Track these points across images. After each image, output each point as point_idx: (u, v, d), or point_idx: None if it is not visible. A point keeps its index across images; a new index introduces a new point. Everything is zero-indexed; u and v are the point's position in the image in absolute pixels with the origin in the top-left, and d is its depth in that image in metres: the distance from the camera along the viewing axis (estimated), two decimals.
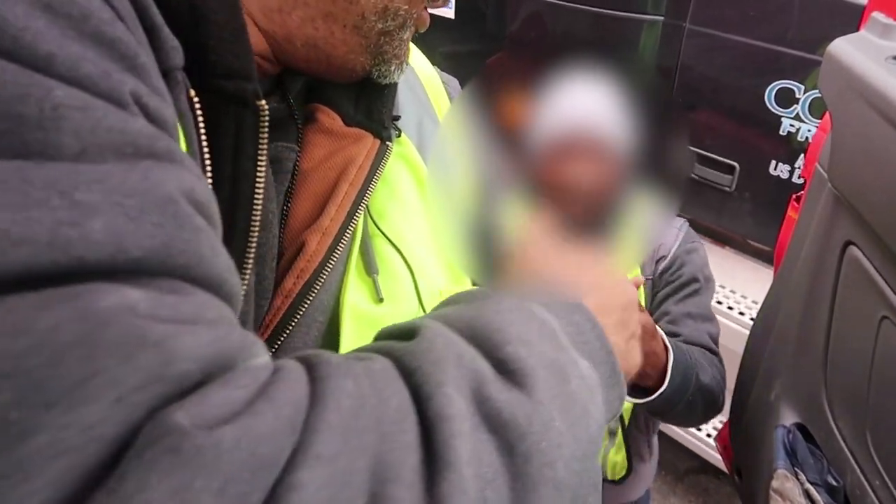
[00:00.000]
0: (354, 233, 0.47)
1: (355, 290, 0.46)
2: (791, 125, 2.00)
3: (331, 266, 0.45)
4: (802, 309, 1.01)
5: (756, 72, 2.05)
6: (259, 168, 0.37)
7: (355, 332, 0.44)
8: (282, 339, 0.43)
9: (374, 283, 0.46)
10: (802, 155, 2.01)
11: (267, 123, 0.37)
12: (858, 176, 0.88)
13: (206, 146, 0.34)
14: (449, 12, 2.86)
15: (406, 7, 0.44)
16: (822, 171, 0.97)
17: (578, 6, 2.43)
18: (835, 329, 0.94)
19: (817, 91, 1.93)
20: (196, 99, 0.34)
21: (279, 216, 0.46)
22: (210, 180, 0.34)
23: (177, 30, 0.33)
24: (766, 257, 2.27)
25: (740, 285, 2.30)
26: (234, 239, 0.37)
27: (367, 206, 0.48)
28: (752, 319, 2.19)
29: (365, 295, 0.46)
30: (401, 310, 0.47)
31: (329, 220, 0.45)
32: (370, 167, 0.47)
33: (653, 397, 1.06)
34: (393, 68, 0.48)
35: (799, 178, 2.02)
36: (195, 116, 0.34)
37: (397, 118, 0.51)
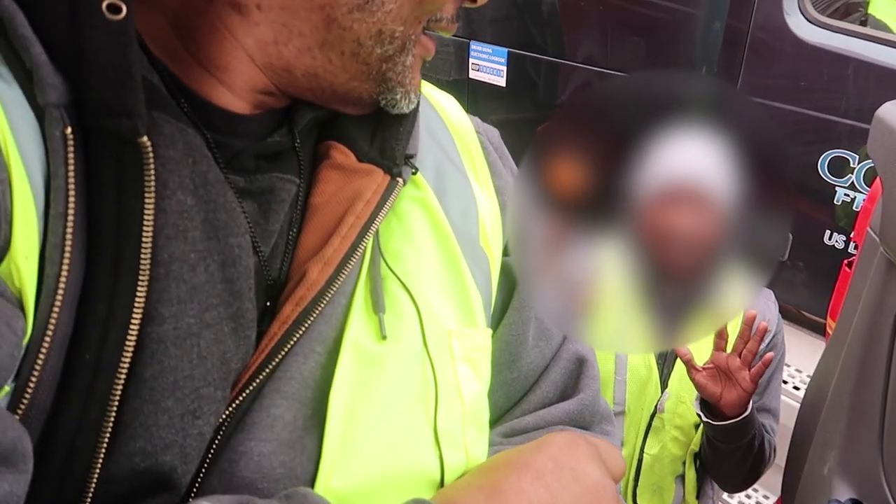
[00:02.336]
0: (361, 268, 0.47)
1: (359, 326, 0.46)
2: (846, 194, 1.97)
3: (330, 295, 0.45)
4: (856, 378, 0.97)
5: (809, 141, 2.04)
6: (147, 206, 0.37)
7: (354, 369, 0.45)
8: (274, 363, 0.43)
9: (380, 321, 0.46)
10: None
11: (151, 160, 0.37)
12: None
13: (73, 182, 0.35)
14: (500, 80, 2.94)
15: (401, 29, 0.44)
16: (873, 235, 0.95)
17: (629, 74, 2.48)
18: (891, 399, 0.90)
19: (871, 161, 1.90)
20: (71, 136, 0.35)
21: (283, 248, 0.47)
22: (72, 218, 0.35)
23: (63, 67, 0.35)
24: (820, 330, 2.19)
25: (794, 359, 2.22)
26: (122, 276, 0.37)
27: (381, 247, 0.49)
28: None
29: (369, 332, 0.46)
30: (403, 349, 0.48)
31: (332, 251, 0.45)
32: (378, 201, 0.48)
33: (737, 419, 1.23)
34: (399, 97, 0.48)
35: (854, 248, 1.97)
36: (66, 153, 0.35)
37: (411, 157, 0.52)
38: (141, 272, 0.37)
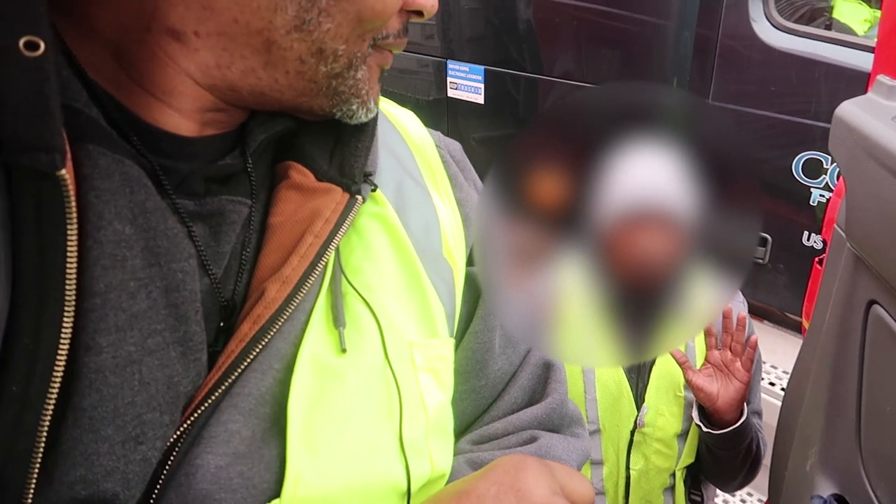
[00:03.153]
0: (321, 285, 0.48)
1: (318, 341, 0.46)
2: (821, 195, 1.99)
3: (288, 313, 0.45)
4: (831, 374, 0.99)
5: (782, 144, 2.07)
6: (70, 238, 0.37)
7: (312, 381, 0.45)
8: (230, 379, 0.43)
9: (340, 334, 0.47)
10: None
11: (71, 193, 0.37)
12: (875, 234, 0.87)
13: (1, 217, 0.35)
14: (479, 98, 2.98)
15: (344, 47, 0.45)
16: (840, 231, 0.96)
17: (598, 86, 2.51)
18: (866, 392, 0.91)
19: None
20: None
21: (237, 268, 0.47)
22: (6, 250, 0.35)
23: None
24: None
25: (781, 360, 2.23)
26: (47, 308, 0.37)
27: (342, 263, 0.50)
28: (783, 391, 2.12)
29: (329, 346, 0.47)
30: (364, 361, 0.48)
31: (291, 270, 0.46)
32: (337, 220, 0.48)
33: (736, 425, 1.25)
34: (356, 107, 0.48)
35: None
36: None
37: (370, 174, 0.52)
38: (66, 304, 0.37)
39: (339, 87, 0.47)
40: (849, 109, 0.94)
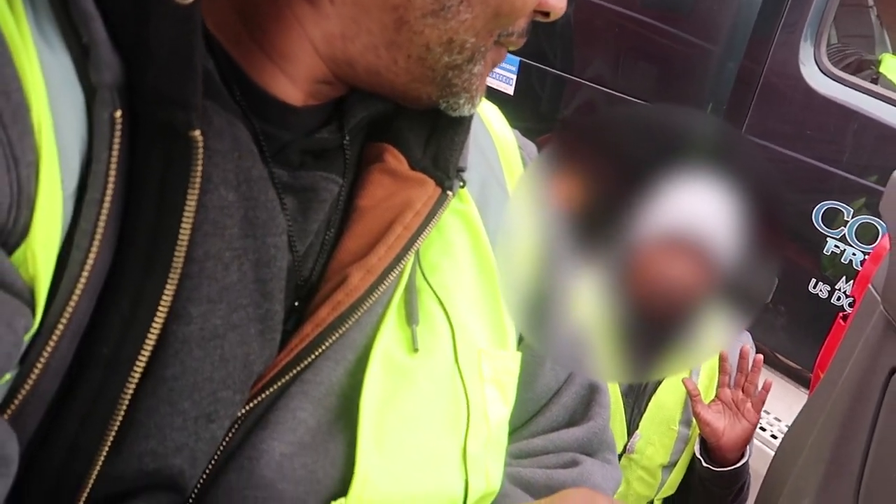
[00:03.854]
0: (400, 279, 0.46)
1: (392, 337, 0.45)
2: (836, 246, 2.00)
3: (369, 304, 0.44)
4: (839, 431, 0.98)
5: (806, 189, 2.07)
6: (188, 203, 0.35)
7: (384, 379, 0.43)
8: (303, 364, 0.42)
9: (413, 333, 0.45)
10: (844, 277, 1.99)
11: (200, 155, 0.35)
12: None
13: (115, 169, 0.33)
14: (509, 88, 2.95)
15: (473, 40, 0.43)
16: (875, 293, 0.96)
17: (634, 99, 2.49)
18: (872, 457, 0.91)
19: (865, 216, 1.93)
20: (120, 120, 0.33)
21: (318, 248, 0.45)
22: (108, 205, 0.33)
23: (122, 49, 0.33)
24: (794, 375, 2.22)
25: (784, 412, 2.24)
26: (153, 273, 0.35)
27: (420, 258, 0.48)
28: (773, 437, 2.13)
29: (401, 344, 0.45)
30: (434, 363, 0.47)
31: (377, 259, 0.44)
32: (427, 214, 0.46)
33: (738, 465, 1.26)
34: (462, 101, 0.46)
35: (838, 300, 2.00)
36: (112, 137, 0.33)
37: (462, 170, 0.50)
38: (172, 270, 0.36)
39: (454, 79, 0.45)
40: None
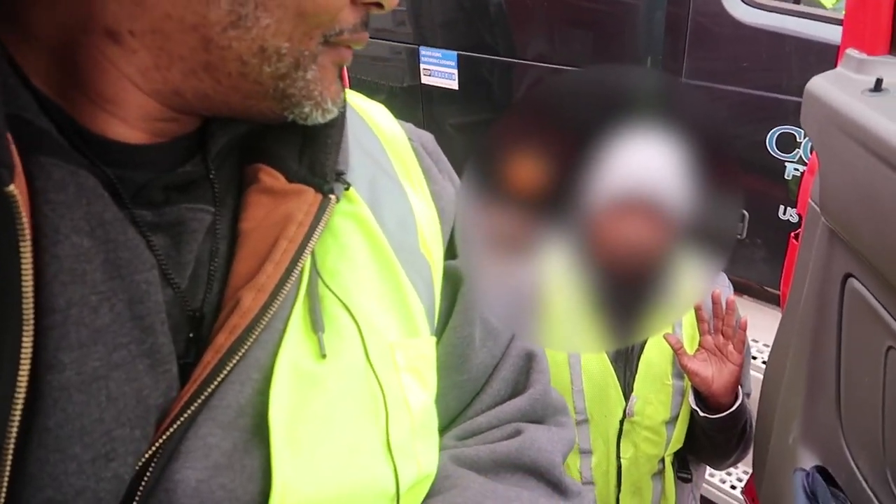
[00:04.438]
0: (298, 290, 0.46)
1: (297, 348, 0.45)
2: (795, 169, 2.01)
3: (265, 322, 0.44)
4: (811, 348, 1.00)
5: (755, 119, 2.08)
6: (23, 255, 0.36)
7: (292, 389, 0.44)
8: (208, 391, 0.42)
9: (319, 339, 0.46)
10: None
11: (21, 209, 0.35)
12: (848, 208, 0.88)
13: None
14: (452, 83, 2.96)
15: (287, 45, 0.42)
16: (814, 206, 0.97)
17: (579, 69, 2.50)
18: (844, 365, 0.92)
19: None
20: None
21: (206, 278, 0.46)
22: None
23: None
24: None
25: (761, 334, 2.26)
26: (7, 328, 0.36)
27: (318, 266, 0.49)
28: (764, 363, 2.15)
29: (308, 352, 0.46)
30: (344, 364, 0.47)
31: (266, 277, 0.44)
32: (311, 223, 0.46)
33: (733, 409, 1.26)
34: (308, 109, 0.45)
35: None
36: None
37: (342, 173, 0.50)
38: (24, 322, 0.36)
39: (288, 89, 0.44)
40: (819, 84, 0.94)
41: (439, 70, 2.92)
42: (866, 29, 0.93)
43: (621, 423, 1.36)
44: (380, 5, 0.46)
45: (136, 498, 0.40)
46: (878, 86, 0.85)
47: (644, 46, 2.29)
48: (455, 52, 2.82)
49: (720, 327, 1.28)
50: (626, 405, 1.35)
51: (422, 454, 0.51)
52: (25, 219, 0.36)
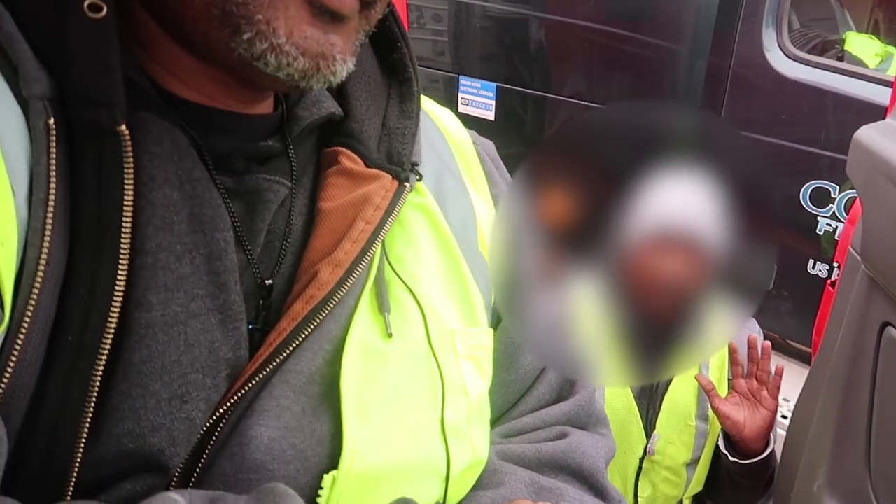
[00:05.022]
0: (369, 272, 0.48)
1: (366, 325, 0.47)
2: (828, 224, 2.01)
3: (340, 296, 0.46)
4: (842, 395, 0.99)
5: (790, 173, 2.09)
6: (126, 194, 0.38)
7: (361, 364, 0.46)
8: (283, 356, 0.44)
9: (385, 320, 0.48)
10: None
11: (129, 149, 0.38)
12: (890, 256, 0.88)
13: (55, 169, 0.37)
14: (489, 114, 3.00)
15: None
16: (855, 254, 0.97)
17: (614, 104, 2.53)
18: (877, 413, 0.91)
19: (851, 190, 1.94)
20: (53, 126, 0.37)
21: (279, 249, 0.47)
22: (52, 203, 0.36)
23: (47, 62, 0.38)
24: (806, 359, 2.21)
25: (783, 388, 2.23)
26: (102, 262, 0.38)
27: (386, 252, 0.51)
28: None
29: (376, 331, 0.47)
30: (408, 345, 0.49)
31: (343, 254, 0.46)
32: (387, 207, 0.48)
33: (764, 455, 1.25)
34: (259, 45, 0.39)
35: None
36: (49, 142, 0.37)
37: (416, 164, 0.52)
38: (121, 258, 0.39)
39: (228, 4, 0.39)
40: (867, 134, 0.95)
41: (477, 100, 2.97)
42: None
43: (641, 460, 1.34)
44: None
45: (209, 447, 0.42)
46: None
47: (682, 93, 2.32)
48: (495, 84, 2.87)
49: (755, 372, 1.26)
50: (648, 443, 1.34)
51: (477, 439, 0.52)
52: (131, 159, 0.39)
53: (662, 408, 1.34)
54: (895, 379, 0.88)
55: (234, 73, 0.44)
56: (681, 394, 1.34)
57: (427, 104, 0.62)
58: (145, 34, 0.44)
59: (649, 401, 1.35)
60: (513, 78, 2.87)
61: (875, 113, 1.79)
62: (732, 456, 1.26)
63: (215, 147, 0.46)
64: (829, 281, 1.13)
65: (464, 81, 2.99)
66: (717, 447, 1.33)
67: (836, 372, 1.01)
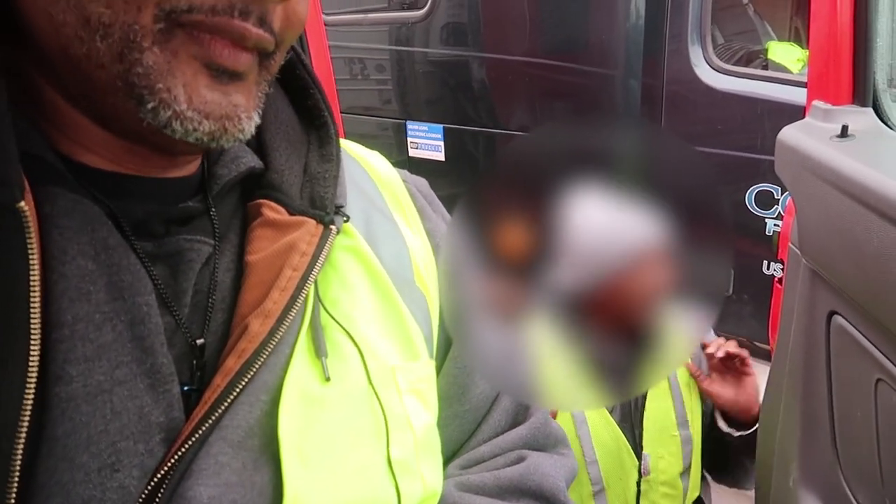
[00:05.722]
0: (302, 318, 0.48)
1: (302, 371, 0.47)
2: (775, 225, 2.07)
3: (272, 346, 0.45)
4: (802, 387, 1.01)
5: (734, 179, 2.15)
6: (32, 269, 0.38)
7: (299, 410, 0.46)
8: (218, 412, 0.43)
9: (323, 364, 0.48)
10: None
11: (31, 224, 0.38)
12: (827, 247, 0.92)
13: None
14: (439, 155, 3.04)
15: (108, 12, 0.38)
16: (794, 248, 1.01)
17: (544, 128, 2.60)
18: (836, 401, 0.93)
19: None
20: None
21: (204, 306, 0.47)
22: None
23: None
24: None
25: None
26: (14, 339, 0.38)
27: (320, 296, 0.51)
28: None
29: (314, 376, 0.47)
30: (348, 387, 0.49)
31: (272, 304, 0.46)
32: (313, 252, 0.48)
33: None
34: (160, 112, 0.40)
35: None
36: None
37: (340, 206, 0.53)
38: (32, 333, 0.38)
39: (129, 75, 0.39)
40: (790, 133, 1.00)
41: (426, 143, 3.02)
42: (830, 82, 0.99)
43: (638, 484, 1.35)
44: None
45: None
46: (844, 132, 0.90)
47: (622, 114, 2.39)
48: (441, 125, 2.92)
49: (715, 363, 1.31)
50: (641, 465, 1.35)
51: (427, 472, 0.52)
52: (34, 236, 0.38)
53: (644, 426, 1.36)
54: (848, 365, 0.90)
55: (147, 141, 0.45)
56: (657, 406, 1.36)
57: (353, 147, 0.64)
58: (52, 109, 0.44)
59: (631, 423, 1.37)
60: (459, 118, 2.93)
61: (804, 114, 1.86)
62: (738, 431, 1.29)
63: (132, 213, 0.45)
64: (776, 279, 1.16)
65: (411, 126, 3.04)
66: (711, 428, 1.37)
67: (793, 366, 1.03)
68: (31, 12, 0.41)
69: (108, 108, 0.42)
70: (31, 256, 0.38)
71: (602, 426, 1.35)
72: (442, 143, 2.94)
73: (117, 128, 0.44)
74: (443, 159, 3.01)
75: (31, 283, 0.38)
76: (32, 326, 0.38)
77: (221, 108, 0.42)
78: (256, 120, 0.44)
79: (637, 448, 1.36)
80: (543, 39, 2.63)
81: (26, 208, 0.38)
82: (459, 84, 2.90)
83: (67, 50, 0.40)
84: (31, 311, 0.38)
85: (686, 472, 1.36)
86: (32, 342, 0.38)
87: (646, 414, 1.35)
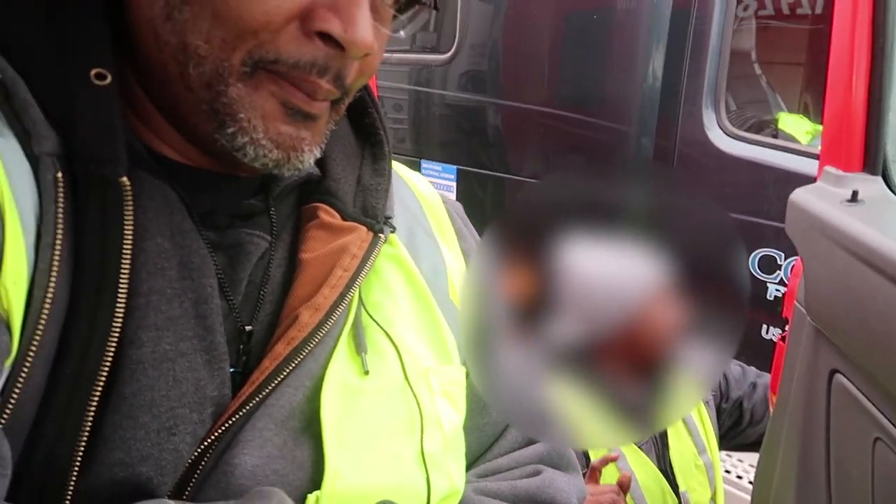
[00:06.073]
0: (347, 315, 0.52)
1: (343, 364, 0.50)
2: (777, 290, 2.10)
3: (319, 337, 0.49)
4: (800, 443, 1.03)
5: None
6: (126, 239, 0.42)
7: (339, 399, 0.49)
8: (265, 392, 0.47)
9: (362, 359, 0.51)
10: None
11: (129, 199, 0.43)
12: (832, 307, 0.95)
13: (62, 218, 0.41)
14: (450, 195, 3.10)
15: (205, 46, 0.43)
16: (800, 307, 1.04)
17: (563, 174, 2.65)
18: (833, 457, 0.95)
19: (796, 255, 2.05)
20: (61, 179, 0.41)
21: (256, 297, 0.51)
22: (59, 248, 0.40)
23: (56, 123, 0.42)
24: None
25: (746, 454, 2.26)
26: (103, 300, 0.42)
27: (363, 299, 0.54)
28: (738, 477, 2.15)
29: (353, 369, 0.51)
30: (385, 382, 0.52)
31: (323, 298, 0.50)
32: (363, 255, 0.52)
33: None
34: (239, 138, 0.45)
35: None
36: (57, 193, 0.41)
37: (390, 217, 0.57)
38: (119, 298, 0.42)
39: (214, 102, 0.45)
40: (802, 195, 1.04)
41: (439, 182, 3.07)
42: (842, 149, 1.03)
43: None
44: (340, 47, 0.45)
45: (195, 476, 0.44)
46: (854, 197, 0.94)
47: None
48: (455, 167, 2.98)
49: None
50: (680, 503, 1.37)
51: (453, 471, 0.54)
52: (132, 206, 0.43)
53: (673, 463, 1.38)
54: (847, 423, 0.92)
55: (216, 154, 0.50)
56: (678, 441, 1.39)
57: (399, 168, 0.68)
58: (141, 108, 0.49)
59: (663, 464, 1.39)
60: (472, 161, 2.99)
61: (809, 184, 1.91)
62: None
63: (201, 204, 0.50)
64: (780, 336, 1.19)
65: (425, 165, 3.09)
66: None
67: (792, 422, 1.05)
68: (139, 24, 0.46)
69: (189, 124, 0.48)
70: (126, 227, 0.43)
71: (644, 471, 1.37)
72: (454, 184, 2.99)
73: (193, 139, 0.50)
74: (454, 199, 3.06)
75: (124, 251, 0.43)
76: (120, 292, 0.42)
77: (291, 141, 0.47)
78: (317, 154, 0.50)
79: (674, 487, 1.38)
80: (560, 91, 2.70)
81: (127, 183, 0.43)
82: (474, 128, 2.97)
83: (164, 67, 0.46)
84: (122, 277, 0.42)
85: (713, 496, 1.38)
86: (118, 306, 0.42)
87: (671, 453, 1.38)
